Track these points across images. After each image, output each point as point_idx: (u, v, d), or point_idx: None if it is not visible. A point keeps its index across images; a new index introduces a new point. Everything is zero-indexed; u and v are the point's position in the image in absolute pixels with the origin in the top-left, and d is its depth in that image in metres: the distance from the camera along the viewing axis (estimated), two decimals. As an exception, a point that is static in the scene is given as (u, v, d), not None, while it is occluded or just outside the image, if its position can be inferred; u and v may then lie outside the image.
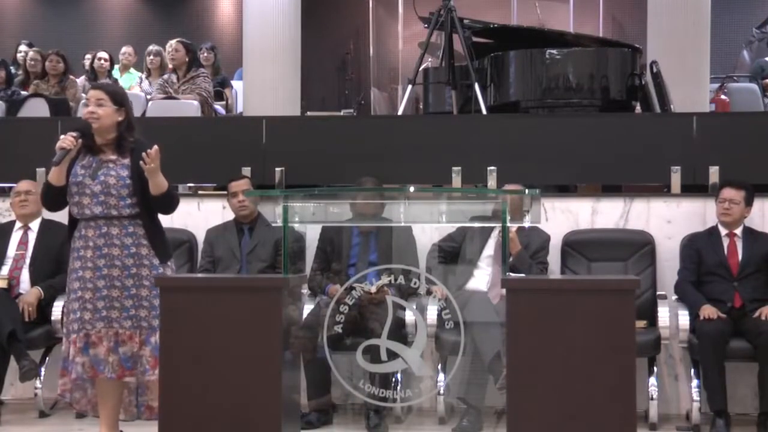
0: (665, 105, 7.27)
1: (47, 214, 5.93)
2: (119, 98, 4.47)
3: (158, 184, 4.33)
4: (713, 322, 5.14)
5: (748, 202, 5.47)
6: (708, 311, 5.19)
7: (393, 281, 4.34)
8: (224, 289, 4.03)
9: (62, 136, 4.31)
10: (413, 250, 5.56)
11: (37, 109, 8.23)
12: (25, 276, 5.73)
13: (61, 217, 5.98)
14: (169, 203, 4.46)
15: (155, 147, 4.30)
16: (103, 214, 4.36)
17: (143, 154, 4.26)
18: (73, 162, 4.45)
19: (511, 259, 5.17)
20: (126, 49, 10.25)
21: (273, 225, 4.38)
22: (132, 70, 10.16)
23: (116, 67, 9.96)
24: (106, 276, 4.36)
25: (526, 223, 4.28)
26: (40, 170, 6.23)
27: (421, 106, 8.71)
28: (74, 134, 4.33)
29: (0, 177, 6.54)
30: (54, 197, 4.48)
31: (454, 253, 5.59)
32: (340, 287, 5.25)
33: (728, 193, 5.47)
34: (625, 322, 3.75)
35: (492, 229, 5.48)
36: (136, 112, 8.31)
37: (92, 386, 4.49)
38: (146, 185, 4.37)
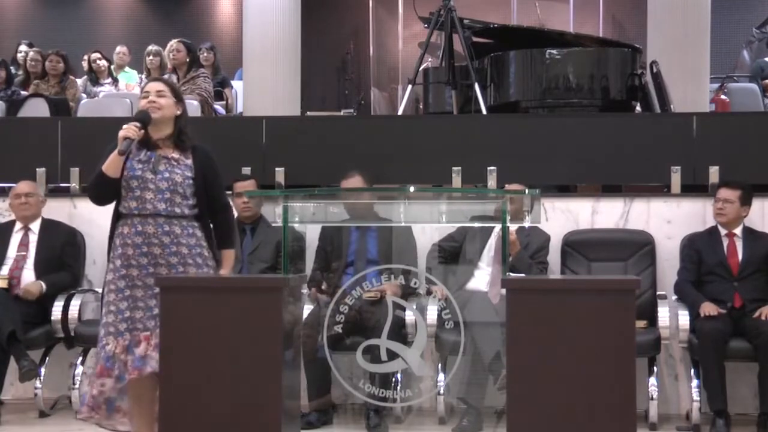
0: (665, 105, 7.26)
1: (47, 214, 5.95)
2: (178, 92, 4.45)
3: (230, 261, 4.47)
4: (713, 322, 5.14)
5: (744, 202, 5.46)
6: (708, 308, 5.19)
7: (393, 281, 4.34)
8: (224, 289, 4.03)
9: (125, 126, 4.21)
10: (413, 250, 5.56)
11: (37, 109, 8.23)
12: (26, 276, 5.72)
13: (61, 216, 6.03)
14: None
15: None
16: (166, 212, 4.28)
17: None
18: (126, 156, 4.33)
19: (510, 259, 5.17)
20: (120, 49, 10.26)
21: (273, 225, 4.38)
22: (127, 68, 10.18)
23: (112, 66, 9.97)
24: (182, 273, 4.28)
25: (527, 223, 4.28)
26: (41, 170, 6.24)
27: (421, 106, 8.71)
28: (137, 124, 4.24)
29: (0, 177, 6.53)
30: (106, 189, 4.34)
31: (454, 253, 5.59)
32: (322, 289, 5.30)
33: (723, 193, 5.47)
34: (625, 322, 3.74)
35: (492, 229, 5.48)
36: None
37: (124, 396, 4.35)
38: (208, 189, 4.37)
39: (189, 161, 4.36)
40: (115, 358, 4.25)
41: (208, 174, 4.38)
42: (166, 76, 8.70)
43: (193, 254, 4.32)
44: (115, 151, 4.20)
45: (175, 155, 4.36)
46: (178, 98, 4.42)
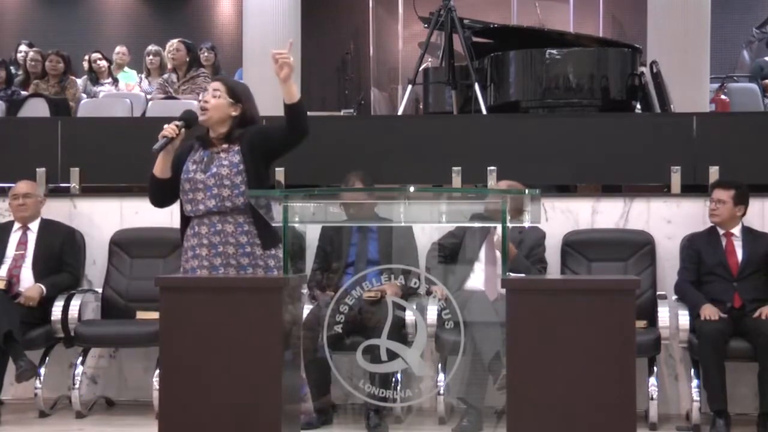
0: (665, 105, 7.27)
1: (47, 214, 5.95)
2: (237, 93, 4.36)
3: (291, 92, 4.17)
4: (713, 322, 5.14)
5: (739, 202, 5.45)
6: (708, 311, 5.19)
7: (393, 281, 4.34)
8: (224, 289, 4.02)
9: (166, 125, 4.20)
10: (413, 251, 5.56)
11: (37, 109, 8.23)
12: (25, 275, 5.73)
13: (61, 216, 6.02)
14: (303, 113, 4.23)
15: (290, 42, 4.18)
16: (217, 208, 4.25)
17: (273, 52, 4.11)
18: (185, 158, 4.34)
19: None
20: (120, 49, 10.26)
21: (273, 225, 4.37)
22: (126, 69, 10.17)
23: (112, 66, 9.97)
24: (223, 275, 4.26)
25: (526, 223, 4.28)
26: (41, 170, 6.24)
27: (421, 106, 8.70)
28: (178, 123, 4.21)
29: (0, 177, 6.53)
30: (158, 190, 4.34)
31: (454, 250, 5.58)
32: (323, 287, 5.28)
33: (716, 193, 5.48)
34: (625, 322, 3.74)
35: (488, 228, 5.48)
36: (136, 112, 8.38)
37: None
38: (260, 172, 4.28)
39: (237, 147, 4.31)
40: None
41: (255, 139, 4.29)
42: (165, 75, 8.73)
43: (239, 254, 4.30)
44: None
45: (224, 146, 4.32)
46: (236, 99, 4.34)
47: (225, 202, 4.27)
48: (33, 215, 5.89)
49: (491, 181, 5.95)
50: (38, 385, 5.55)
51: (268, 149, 4.35)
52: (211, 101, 4.30)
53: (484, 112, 7.13)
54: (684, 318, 5.32)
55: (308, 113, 4.36)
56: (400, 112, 8.07)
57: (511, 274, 4.27)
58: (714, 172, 5.83)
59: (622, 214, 5.85)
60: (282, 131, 4.28)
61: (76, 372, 5.60)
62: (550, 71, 7.24)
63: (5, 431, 5.36)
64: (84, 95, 9.22)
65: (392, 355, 4.30)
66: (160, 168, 4.29)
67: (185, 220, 4.38)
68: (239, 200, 4.28)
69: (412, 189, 4.71)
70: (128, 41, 11.16)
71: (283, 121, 4.26)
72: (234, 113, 4.34)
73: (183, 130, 4.25)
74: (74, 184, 6.27)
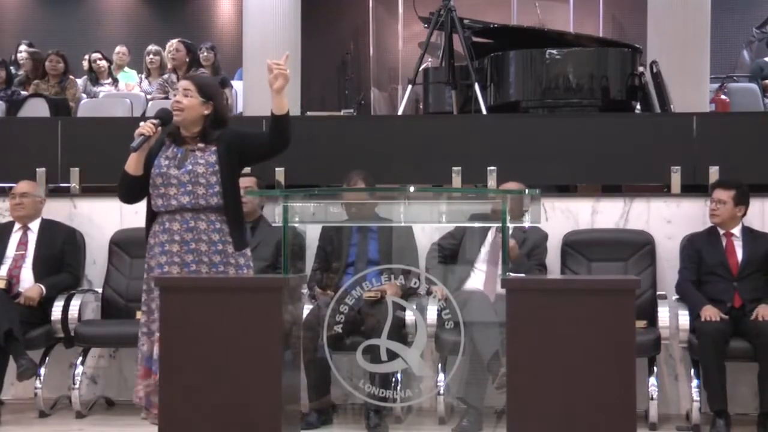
0: (665, 105, 7.27)
1: (47, 214, 5.95)
2: (207, 91, 4.35)
3: (282, 103, 4.24)
4: (713, 322, 5.14)
5: (739, 202, 5.45)
6: (709, 312, 5.19)
7: (393, 281, 4.34)
8: (224, 289, 4.03)
9: (142, 123, 4.21)
10: (413, 251, 5.56)
11: (37, 109, 8.23)
12: (25, 275, 5.73)
13: (61, 216, 6.02)
14: (289, 125, 4.28)
15: (286, 55, 4.22)
16: (191, 205, 4.24)
17: (269, 62, 4.18)
18: (155, 153, 4.33)
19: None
20: (120, 49, 10.26)
21: (273, 225, 4.37)
22: (126, 69, 10.18)
23: (112, 66, 9.97)
24: (194, 272, 4.24)
25: (526, 223, 4.28)
26: (41, 170, 6.24)
27: (421, 106, 8.71)
28: (154, 121, 4.23)
29: (0, 177, 6.53)
30: (130, 188, 4.34)
31: (454, 251, 5.58)
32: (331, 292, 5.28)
33: (717, 193, 5.48)
34: (625, 322, 3.75)
35: (489, 228, 5.49)
36: (136, 112, 8.38)
37: None
38: (234, 173, 4.30)
39: (213, 148, 4.31)
40: (153, 359, 4.25)
41: (234, 142, 4.30)
42: (165, 75, 8.73)
43: (211, 252, 4.27)
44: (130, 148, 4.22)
45: (200, 145, 4.32)
46: (207, 97, 4.33)
47: (199, 199, 4.26)
48: (32, 215, 5.88)
49: (491, 181, 5.95)
50: (38, 385, 5.55)
51: (245, 155, 4.36)
52: (183, 101, 4.30)
53: (484, 112, 7.13)
54: (684, 318, 5.32)
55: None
56: (400, 112, 8.07)
57: (511, 274, 4.28)
58: (714, 172, 5.83)
59: (622, 214, 5.85)
60: (264, 140, 4.32)
61: (76, 372, 5.60)
62: (550, 71, 7.24)
63: (5, 431, 5.36)
64: (84, 95, 9.22)
65: (392, 355, 4.31)
66: (134, 165, 4.30)
67: (152, 215, 4.37)
68: (213, 199, 4.27)
69: (412, 189, 4.72)
70: (128, 41, 11.16)
71: (266, 129, 4.29)
72: (206, 112, 4.33)
73: (159, 128, 4.26)
74: (74, 184, 6.28)
